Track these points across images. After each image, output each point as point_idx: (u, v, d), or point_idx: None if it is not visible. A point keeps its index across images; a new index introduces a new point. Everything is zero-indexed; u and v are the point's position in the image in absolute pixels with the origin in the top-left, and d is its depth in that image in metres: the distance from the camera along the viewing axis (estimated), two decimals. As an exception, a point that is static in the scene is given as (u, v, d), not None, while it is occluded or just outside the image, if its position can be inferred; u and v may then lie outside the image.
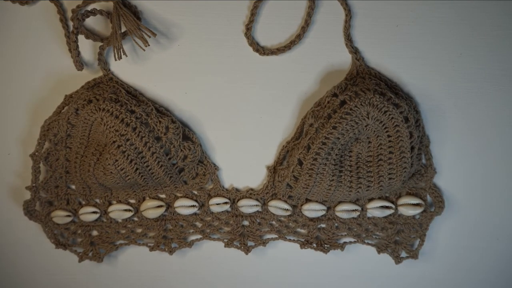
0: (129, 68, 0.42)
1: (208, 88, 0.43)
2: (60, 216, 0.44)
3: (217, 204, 0.45)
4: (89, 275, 0.47)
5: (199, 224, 0.46)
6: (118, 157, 0.39)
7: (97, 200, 0.45)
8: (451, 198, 0.44)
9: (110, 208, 0.45)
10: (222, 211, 0.45)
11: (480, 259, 0.46)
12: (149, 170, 0.41)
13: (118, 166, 0.39)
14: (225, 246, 0.46)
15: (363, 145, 0.40)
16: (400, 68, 0.42)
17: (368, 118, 0.39)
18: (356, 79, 0.41)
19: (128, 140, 0.39)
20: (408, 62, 0.41)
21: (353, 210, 0.44)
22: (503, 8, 0.40)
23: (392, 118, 0.39)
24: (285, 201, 0.44)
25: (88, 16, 0.40)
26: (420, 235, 0.44)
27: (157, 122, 0.40)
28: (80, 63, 0.41)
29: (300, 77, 0.42)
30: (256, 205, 0.44)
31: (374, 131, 0.39)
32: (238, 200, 0.45)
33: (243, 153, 0.44)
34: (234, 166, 0.44)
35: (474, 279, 0.47)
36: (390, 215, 0.44)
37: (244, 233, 0.46)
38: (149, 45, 0.40)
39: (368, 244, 0.45)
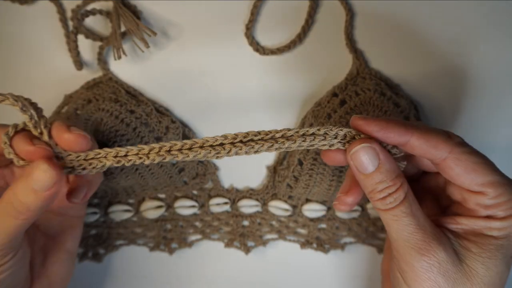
0: (129, 68, 0.42)
1: (208, 88, 0.43)
2: (60, 216, 0.44)
3: (217, 204, 0.45)
4: (89, 275, 0.47)
5: (199, 224, 0.46)
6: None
7: (97, 201, 0.45)
8: (451, 198, 0.44)
9: (110, 209, 0.44)
10: (222, 211, 0.45)
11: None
12: (149, 170, 0.40)
13: (119, 166, 0.39)
14: (225, 246, 0.46)
15: (363, 145, 0.40)
16: (400, 68, 0.42)
17: (368, 118, 0.39)
18: (357, 79, 0.41)
19: (128, 140, 0.39)
20: (408, 62, 0.41)
21: (353, 210, 0.44)
22: (504, 8, 0.40)
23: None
24: (285, 201, 0.44)
25: (87, 16, 0.40)
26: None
27: (157, 122, 0.40)
28: (79, 63, 0.41)
29: (300, 77, 0.42)
30: (256, 205, 0.44)
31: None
32: (238, 200, 0.45)
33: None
34: (234, 166, 0.44)
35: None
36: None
37: (244, 233, 0.45)
38: (149, 47, 0.40)
39: (368, 244, 0.45)
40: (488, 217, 0.30)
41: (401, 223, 0.30)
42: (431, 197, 0.35)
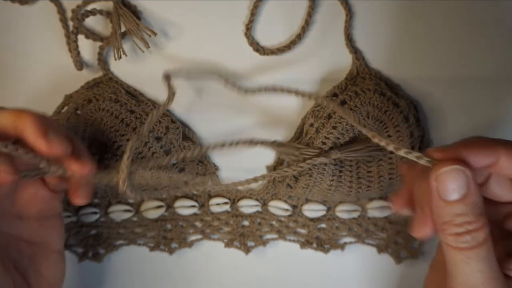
0: (129, 68, 0.42)
1: (208, 88, 0.43)
2: (60, 216, 0.44)
3: (217, 204, 0.45)
4: (89, 275, 0.47)
5: (199, 224, 0.46)
6: (118, 157, 0.39)
7: (97, 201, 0.45)
8: (451, 198, 0.44)
9: (110, 209, 0.44)
10: (222, 211, 0.45)
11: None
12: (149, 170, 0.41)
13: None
14: (225, 246, 0.46)
15: (363, 145, 0.40)
16: (400, 68, 0.42)
17: (368, 118, 0.39)
18: (356, 79, 0.41)
19: (128, 140, 0.39)
20: (408, 62, 0.41)
21: (353, 210, 0.44)
22: (505, 7, 0.40)
23: (392, 118, 0.39)
24: (285, 201, 0.44)
25: (88, 16, 0.40)
26: (421, 235, 0.44)
27: (157, 122, 0.40)
28: (80, 63, 0.41)
29: (300, 77, 0.42)
30: (256, 205, 0.44)
31: (374, 131, 0.39)
32: (238, 200, 0.45)
33: (243, 153, 0.44)
34: (234, 166, 0.44)
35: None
36: (390, 215, 0.44)
37: (244, 233, 0.45)
38: (149, 47, 0.40)
39: (368, 244, 0.45)
40: None
41: (473, 268, 0.25)
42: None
